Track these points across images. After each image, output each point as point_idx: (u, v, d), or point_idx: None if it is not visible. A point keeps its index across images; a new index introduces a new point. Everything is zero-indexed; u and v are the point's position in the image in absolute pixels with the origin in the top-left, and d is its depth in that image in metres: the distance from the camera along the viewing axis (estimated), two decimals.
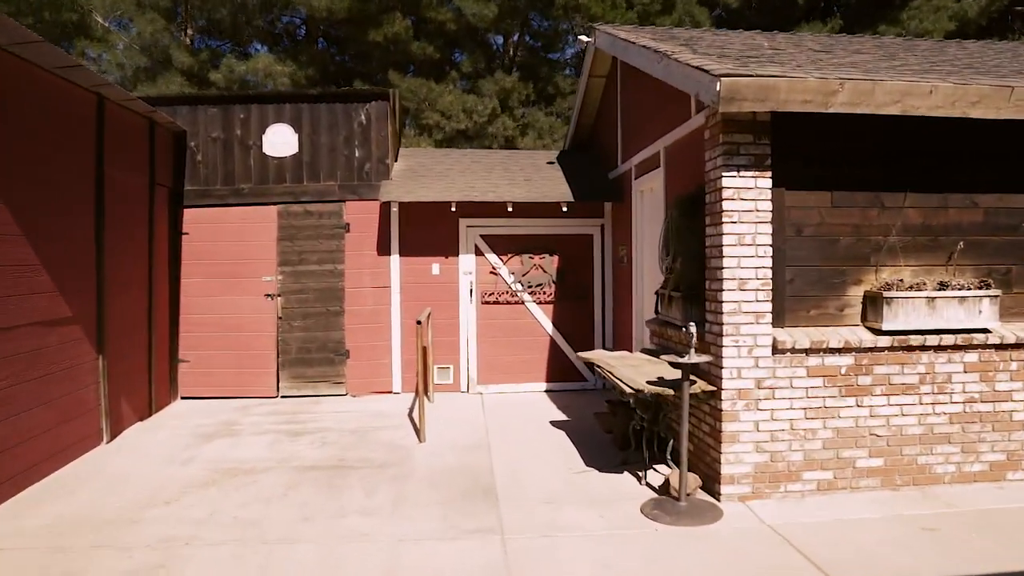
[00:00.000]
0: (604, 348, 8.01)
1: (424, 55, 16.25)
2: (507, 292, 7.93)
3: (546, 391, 7.93)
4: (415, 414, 6.55)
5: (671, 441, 4.77)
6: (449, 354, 7.86)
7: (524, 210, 7.67)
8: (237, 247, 7.67)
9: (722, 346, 4.27)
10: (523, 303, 7.96)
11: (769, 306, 4.30)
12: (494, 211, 7.68)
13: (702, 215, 4.68)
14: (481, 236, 7.91)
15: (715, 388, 4.34)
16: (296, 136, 7.76)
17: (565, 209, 7.56)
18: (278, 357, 7.70)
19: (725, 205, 4.25)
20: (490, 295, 7.91)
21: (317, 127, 7.78)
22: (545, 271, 7.96)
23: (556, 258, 7.99)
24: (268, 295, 7.68)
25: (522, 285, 7.93)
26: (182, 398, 7.64)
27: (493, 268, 7.92)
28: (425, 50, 16.19)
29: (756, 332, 4.28)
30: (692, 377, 4.22)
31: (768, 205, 4.28)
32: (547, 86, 17.36)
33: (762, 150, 4.27)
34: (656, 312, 5.51)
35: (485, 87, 15.89)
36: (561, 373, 8.00)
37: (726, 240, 4.25)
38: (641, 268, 6.84)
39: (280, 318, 7.70)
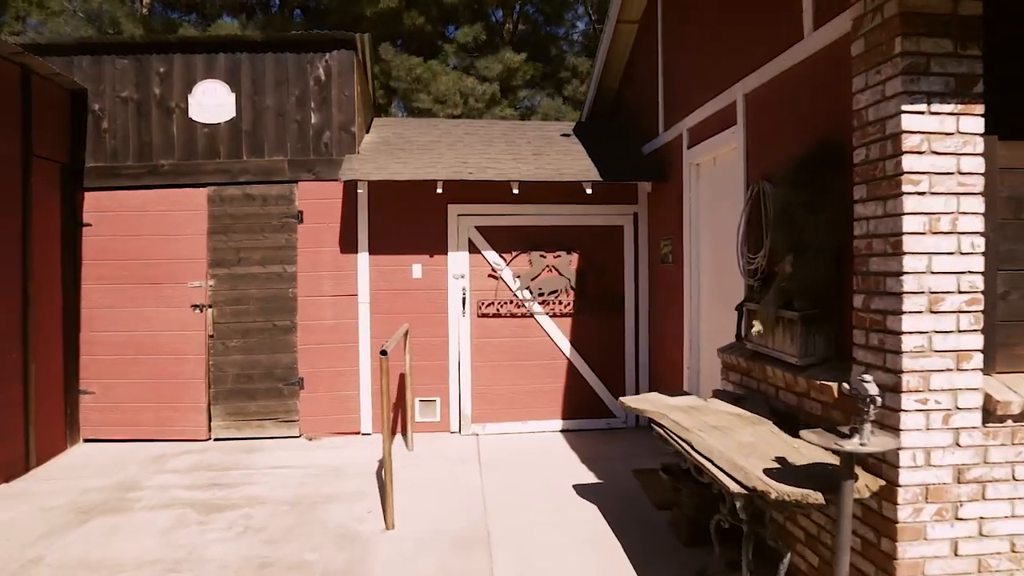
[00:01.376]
0: (637, 377, 6.16)
1: (415, 27, 14.36)
2: (511, 301, 6.07)
3: (562, 431, 6.07)
4: (385, 473, 4.69)
5: (787, 556, 2.92)
6: (435, 383, 6.00)
7: (533, 193, 5.81)
8: (155, 243, 5.81)
9: (899, 410, 2.44)
10: (532, 316, 6.09)
11: (979, 339, 2.47)
12: (494, 195, 5.82)
13: (835, 185, 2.88)
14: (477, 228, 6.04)
15: (884, 482, 2.51)
16: (233, 97, 5.89)
17: (590, 191, 5.69)
18: (210, 388, 5.83)
19: (906, 163, 2.42)
20: (489, 305, 6.05)
21: (260, 85, 5.91)
22: (561, 274, 6.10)
23: (575, 257, 6.12)
24: (196, 306, 5.82)
25: (531, 292, 6.07)
26: (86, 440, 5.79)
27: (493, 270, 6.06)
28: (416, 21, 14.30)
29: (956, 385, 2.46)
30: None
31: (978, 163, 2.46)
32: (553, 63, 15.45)
33: (969, 67, 2.45)
34: (741, 337, 3.67)
35: (488, 69, 13.99)
36: (582, 407, 6.13)
37: (907, 224, 2.42)
38: (696, 270, 5.00)
39: (212, 336, 5.83)
